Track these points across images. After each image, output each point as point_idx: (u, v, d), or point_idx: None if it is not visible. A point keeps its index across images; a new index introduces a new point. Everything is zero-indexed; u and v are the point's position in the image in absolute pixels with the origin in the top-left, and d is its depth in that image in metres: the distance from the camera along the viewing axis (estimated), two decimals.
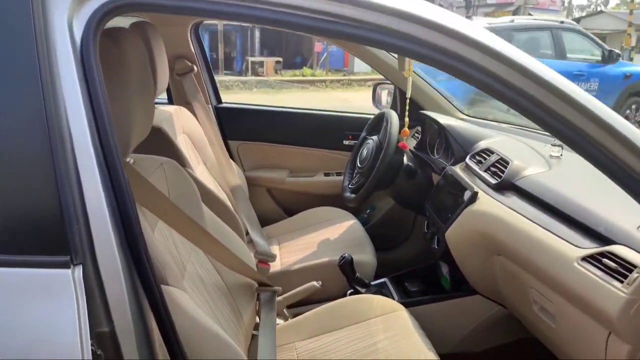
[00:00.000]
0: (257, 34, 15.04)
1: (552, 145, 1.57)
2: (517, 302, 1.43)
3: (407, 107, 1.84)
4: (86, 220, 0.72)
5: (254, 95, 9.98)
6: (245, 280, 1.38)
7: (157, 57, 1.41)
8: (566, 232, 1.17)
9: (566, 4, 20.24)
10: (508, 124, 2.02)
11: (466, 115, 2.16)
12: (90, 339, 0.69)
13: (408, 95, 1.82)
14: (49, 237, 0.71)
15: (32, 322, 0.70)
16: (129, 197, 0.75)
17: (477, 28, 0.81)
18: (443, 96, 2.15)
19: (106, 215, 0.73)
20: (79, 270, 0.70)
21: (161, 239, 1.09)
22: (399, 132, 1.86)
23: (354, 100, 8.73)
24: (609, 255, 1.03)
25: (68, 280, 0.70)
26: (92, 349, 0.69)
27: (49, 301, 0.70)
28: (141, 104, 0.98)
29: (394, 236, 2.32)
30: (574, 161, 1.53)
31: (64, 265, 0.70)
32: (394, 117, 1.87)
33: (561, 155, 1.55)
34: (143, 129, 1.01)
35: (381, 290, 1.74)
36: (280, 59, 14.49)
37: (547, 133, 1.83)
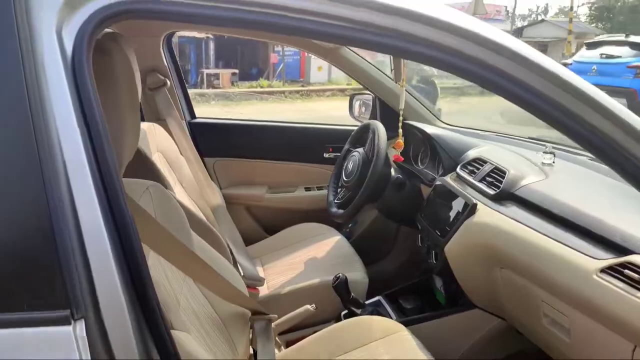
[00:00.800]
0: (211, 45, 14.82)
1: (543, 152, 1.56)
2: (523, 316, 1.39)
3: (401, 119, 1.78)
4: (86, 261, 0.60)
5: (213, 108, 9.74)
6: (238, 310, 1.28)
7: None
8: (578, 242, 1.14)
9: (510, 14, 21.12)
10: (491, 132, 2.01)
11: (447, 124, 2.13)
12: None
13: (401, 106, 1.77)
14: (43, 288, 0.59)
15: None
16: (133, 230, 0.64)
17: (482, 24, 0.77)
18: (423, 105, 2.12)
19: (108, 253, 0.62)
20: (80, 326, 0.59)
21: (154, 273, 0.97)
22: (392, 145, 1.80)
23: (323, 111, 8.66)
24: (630, 265, 1.00)
25: (69, 339, 0.58)
26: None
27: None
28: (130, 119, 0.87)
29: (377, 249, 2.26)
30: (567, 168, 1.52)
31: (64, 322, 0.58)
32: (380, 128, 1.80)
33: (553, 162, 1.53)
34: (132, 148, 0.90)
35: (377, 310, 1.67)
36: (236, 71, 14.31)
37: (533, 141, 1.84)
